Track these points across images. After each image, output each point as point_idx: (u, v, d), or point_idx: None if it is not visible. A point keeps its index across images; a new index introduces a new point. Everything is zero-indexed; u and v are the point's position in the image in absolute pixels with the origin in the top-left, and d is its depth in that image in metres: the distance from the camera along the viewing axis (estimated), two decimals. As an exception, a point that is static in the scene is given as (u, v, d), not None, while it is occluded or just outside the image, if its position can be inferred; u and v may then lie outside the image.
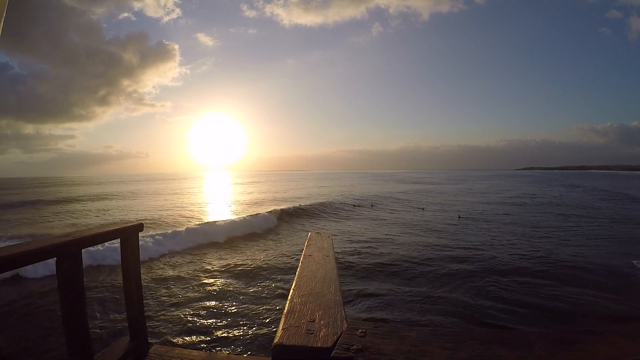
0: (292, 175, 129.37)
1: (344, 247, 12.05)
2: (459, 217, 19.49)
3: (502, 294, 7.77)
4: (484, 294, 7.73)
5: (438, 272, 9.34)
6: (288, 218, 19.77)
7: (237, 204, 29.30)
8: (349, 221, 19.18)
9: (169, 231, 14.02)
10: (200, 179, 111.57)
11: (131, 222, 2.65)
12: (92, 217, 22.38)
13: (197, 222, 17.26)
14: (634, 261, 10.02)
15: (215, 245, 13.22)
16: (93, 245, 2.12)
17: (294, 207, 22.82)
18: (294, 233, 16.04)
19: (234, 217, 19.16)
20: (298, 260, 1.53)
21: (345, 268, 9.61)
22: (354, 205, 25.86)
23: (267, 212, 19.70)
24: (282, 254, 11.65)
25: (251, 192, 43.87)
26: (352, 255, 11.05)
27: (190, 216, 21.55)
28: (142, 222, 2.64)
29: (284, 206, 23.21)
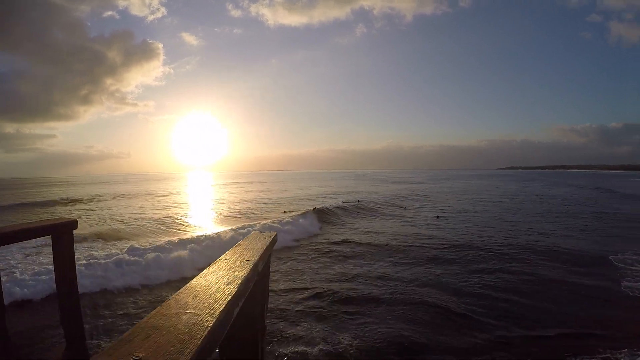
0: (277, 176, 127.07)
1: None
2: (438, 216, 19.72)
3: (470, 287, 7.90)
4: (452, 288, 7.85)
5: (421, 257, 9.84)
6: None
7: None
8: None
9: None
10: (185, 179, 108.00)
11: (64, 218, 2.49)
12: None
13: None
14: (611, 257, 10.31)
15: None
16: (15, 241, 1.95)
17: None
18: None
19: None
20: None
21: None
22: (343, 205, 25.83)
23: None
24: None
25: (230, 200, 42.38)
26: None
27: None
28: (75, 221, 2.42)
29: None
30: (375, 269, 9.39)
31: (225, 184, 68.44)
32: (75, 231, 2.58)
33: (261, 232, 2.37)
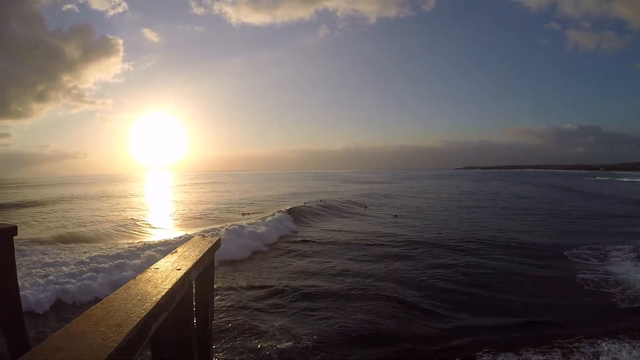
0: (238, 176, 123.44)
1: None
2: (396, 215, 19.56)
3: (429, 281, 8.05)
4: (410, 283, 7.94)
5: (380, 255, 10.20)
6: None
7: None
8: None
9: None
10: (144, 180, 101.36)
11: (2, 224, 2.36)
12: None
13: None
14: (566, 252, 10.45)
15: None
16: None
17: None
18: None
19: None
20: None
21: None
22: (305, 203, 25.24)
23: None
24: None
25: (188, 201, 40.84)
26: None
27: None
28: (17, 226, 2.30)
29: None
30: (336, 266, 9.40)
31: (186, 185, 65.29)
32: (31, 235, 2.27)
33: (204, 236, 2.37)
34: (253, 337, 5.38)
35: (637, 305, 6.58)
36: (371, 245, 11.75)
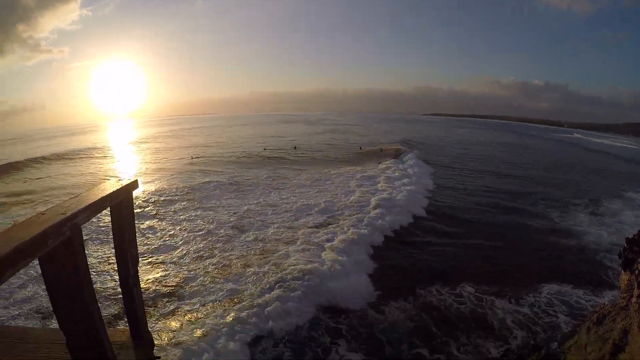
0: (207, 121, 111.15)
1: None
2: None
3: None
4: None
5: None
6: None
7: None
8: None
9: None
10: (111, 130, 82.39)
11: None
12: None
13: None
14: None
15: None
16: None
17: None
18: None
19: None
20: None
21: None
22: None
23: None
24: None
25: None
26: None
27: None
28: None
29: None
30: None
31: (163, 133, 54.53)
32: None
33: (119, 179, 2.16)
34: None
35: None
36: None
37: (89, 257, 7.09)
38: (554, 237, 10.18)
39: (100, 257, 8.02)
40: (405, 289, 7.08)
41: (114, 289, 6.52)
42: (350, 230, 9.58)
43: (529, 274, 7.84)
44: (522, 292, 7.04)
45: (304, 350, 5.41)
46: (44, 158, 25.79)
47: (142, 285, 5.38)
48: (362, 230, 9.64)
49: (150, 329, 2.57)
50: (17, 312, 5.93)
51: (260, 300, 6.32)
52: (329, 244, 8.72)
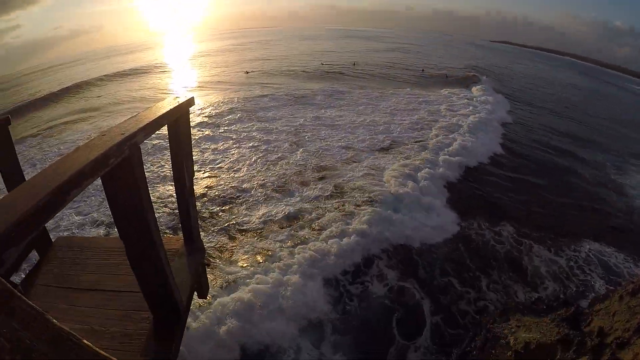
0: (262, 35, 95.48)
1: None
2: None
3: None
4: None
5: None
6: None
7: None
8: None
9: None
10: (162, 47, 77.74)
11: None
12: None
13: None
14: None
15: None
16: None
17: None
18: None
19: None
20: None
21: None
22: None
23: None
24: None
25: None
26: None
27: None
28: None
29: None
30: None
31: (223, 47, 50.06)
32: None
33: (177, 97, 2.13)
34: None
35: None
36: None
37: (147, 172, 7.38)
38: (605, 192, 9.49)
39: (158, 172, 8.36)
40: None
41: (172, 202, 6.85)
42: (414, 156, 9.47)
43: (573, 224, 7.46)
44: (562, 243, 6.72)
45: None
46: (105, 76, 25.99)
47: (197, 198, 5.70)
48: (423, 156, 9.49)
49: (202, 239, 2.75)
50: (81, 222, 6.50)
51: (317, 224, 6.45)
52: (388, 170, 8.61)
